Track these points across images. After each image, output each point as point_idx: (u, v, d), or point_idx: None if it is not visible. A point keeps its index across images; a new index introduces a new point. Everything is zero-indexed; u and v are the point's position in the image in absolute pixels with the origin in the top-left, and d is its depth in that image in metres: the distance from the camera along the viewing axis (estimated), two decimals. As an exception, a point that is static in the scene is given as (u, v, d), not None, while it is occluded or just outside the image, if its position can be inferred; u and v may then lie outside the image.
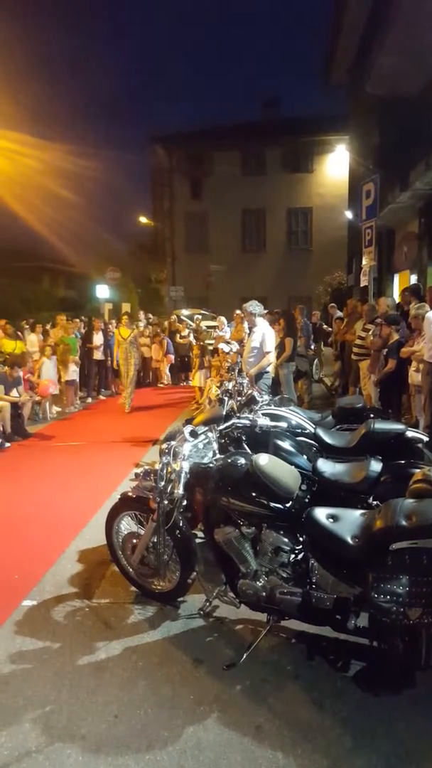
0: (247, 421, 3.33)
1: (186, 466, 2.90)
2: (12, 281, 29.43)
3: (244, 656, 2.81)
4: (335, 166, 23.48)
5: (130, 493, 3.45)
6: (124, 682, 2.69)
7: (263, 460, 2.79)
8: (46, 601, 3.47)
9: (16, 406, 8.08)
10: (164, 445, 3.17)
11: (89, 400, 11.86)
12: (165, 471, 2.95)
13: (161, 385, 14.12)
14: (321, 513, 2.53)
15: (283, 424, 3.63)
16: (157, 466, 3.00)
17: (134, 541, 3.41)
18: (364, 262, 9.57)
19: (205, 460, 3.10)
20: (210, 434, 3.21)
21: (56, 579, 3.74)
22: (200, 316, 15.44)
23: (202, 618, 3.18)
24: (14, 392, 8.23)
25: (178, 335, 14.58)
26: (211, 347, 11.10)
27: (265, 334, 6.75)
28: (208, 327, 14.67)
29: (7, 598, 3.47)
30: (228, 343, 9.35)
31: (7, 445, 7.51)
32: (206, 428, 3.27)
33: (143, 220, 29.51)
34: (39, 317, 15.05)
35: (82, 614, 3.31)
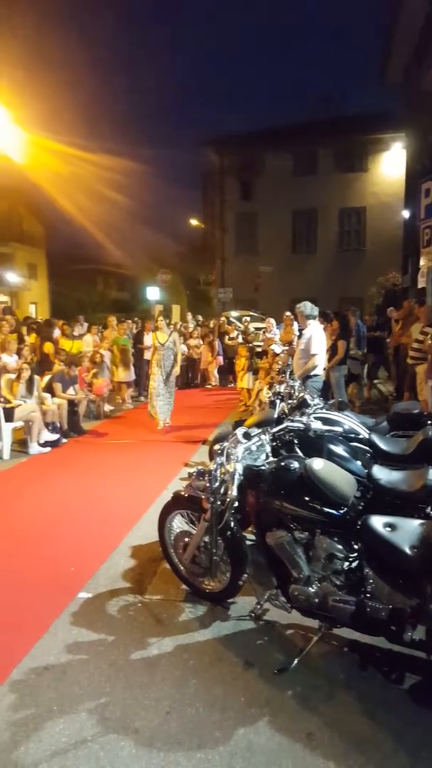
0: (300, 425, 3.31)
1: (239, 467, 2.91)
2: (68, 284, 30.24)
3: (295, 662, 2.80)
4: (390, 164, 23.00)
5: (182, 492, 3.50)
6: (175, 680, 2.74)
7: (318, 464, 2.77)
8: (101, 594, 3.56)
9: (72, 404, 8.33)
10: (217, 446, 3.20)
11: (141, 399, 12.06)
12: (218, 472, 2.98)
13: (209, 387, 14.19)
14: (378, 521, 2.49)
15: (338, 429, 3.60)
16: (211, 467, 3.03)
17: (186, 539, 3.46)
18: (422, 262, 9.32)
19: (258, 463, 3.10)
20: (263, 437, 3.21)
21: (110, 573, 3.84)
22: (249, 318, 15.39)
23: (252, 620, 3.19)
24: (71, 390, 8.49)
25: (226, 337, 14.62)
26: (259, 349, 11.08)
27: (312, 336, 6.68)
28: (257, 329, 14.64)
29: (64, 590, 3.59)
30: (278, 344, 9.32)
31: (64, 440, 7.74)
32: (259, 430, 3.27)
33: (194, 222, 29.76)
34: (93, 319, 15.43)
35: (135, 609, 3.38)
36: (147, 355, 12.20)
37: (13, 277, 29.77)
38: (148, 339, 12.34)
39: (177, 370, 8.80)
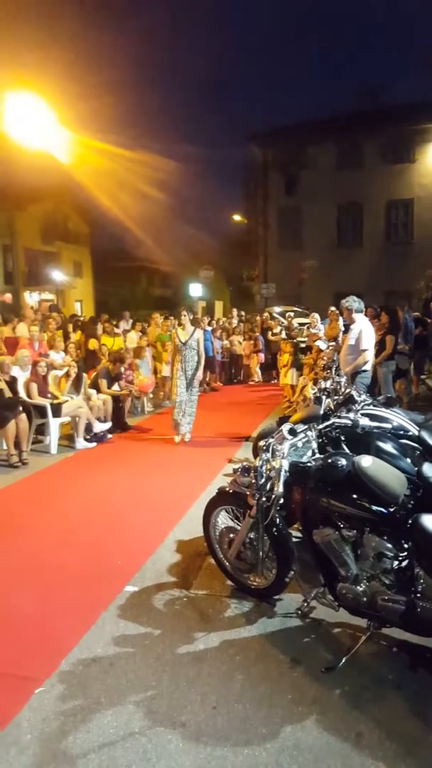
0: (348, 421, 3.25)
1: (285, 464, 2.88)
2: (112, 282, 30.70)
3: (343, 660, 2.75)
4: (439, 154, 22.31)
5: (227, 488, 3.50)
6: (222, 675, 2.73)
7: (366, 462, 2.71)
8: (147, 588, 3.60)
9: (117, 400, 8.46)
10: (262, 443, 3.17)
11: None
12: (264, 468, 2.95)
13: (252, 383, 14.15)
14: (429, 520, 2.42)
15: (386, 426, 3.51)
16: (257, 463, 3.01)
17: (231, 535, 3.45)
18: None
19: (304, 459, 3.06)
20: (309, 433, 3.17)
21: (156, 567, 3.87)
22: (293, 314, 15.27)
23: (298, 618, 3.16)
24: (116, 386, 8.62)
25: (269, 333, 14.53)
26: (303, 345, 10.97)
27: (362, 331, 6.54)
28: (301, 324, 14.50)
29: (112, 583, 3.64)
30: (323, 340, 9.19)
31: (109, 436, 7.87)
32: (305, 427, 3.23)
33: (237, 218, 29.69)
34: (137, 316, 15.64)
35: (181, 604, 3.40)
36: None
37: (59, 276, 30.51)
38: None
39: (200, 374, 7.72)
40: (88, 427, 7.55)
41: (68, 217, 34.07)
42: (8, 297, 18.43)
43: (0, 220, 28.86)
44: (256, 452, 5.54)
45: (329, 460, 2.88)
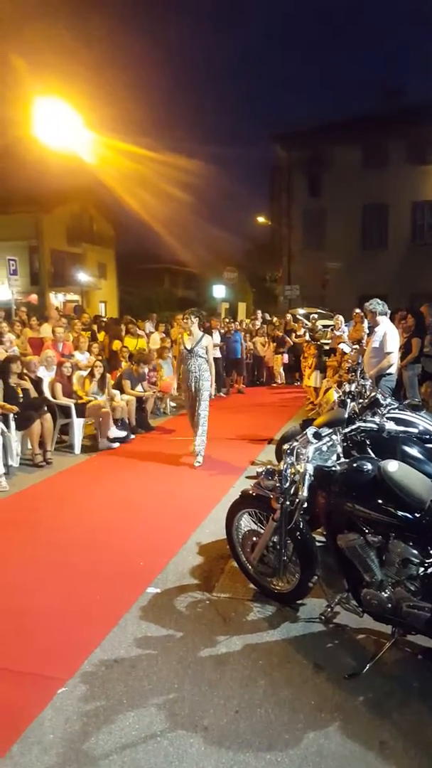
0: (373, 425, 3.20)
1: (310, 468, 2.85)
2: (136, 283, 30.92)
3: (367, 667, 2.71)
4: (466, 154, 21.93)
5: (250, 491, 3.48)
6: (244, 679, 2.72)
7: (393, 466, 2.67)
8: (169, 590, 3.60)
9: (140, 401, 8.51)
10: (286, 446, 3.14)
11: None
12: (289, 472, 2.93)
13: (275, 384, 14.07)
14: (457, 526, 2.37)
15: (412, 430, 3.46)
16: (282, 466, 2.98)
17: (254, 539, 3.43)
18: None
19: (329, 463, 3.03)
20: (334, 437, 3.14)
21: (178, 569, 3.87)
22: (316, 315, 15.17)
23: (322, 623, 3.12)
24: (139, 387, 8.67)
25: (293, 334, 14.45)
26: (327, 347, 10.87)
27: (386, 334, 6.46)
28: (325, 326, 14.38)
29: (134, 584, 3.65)
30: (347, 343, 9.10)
31: (132, 436, 7.91)
32: (330, 430, 3.19)
33: (261, 219, 29.64)
34: (160, 317, 15.71)
35: (203, 606, 3.39)
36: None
37: (83, 277, 30.84)
38: (214, 336, 12.44)
39: (209, 386, 6.66)
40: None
41: (94, 219, 34.44)
42: (34, 297, 18.70)
43: (27, 222, 29.31)
44: (279, 455, 5.51)
45: (355, 465, 2.84)
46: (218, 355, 12.45)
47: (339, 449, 3.13)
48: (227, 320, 14.79)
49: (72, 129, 8.54)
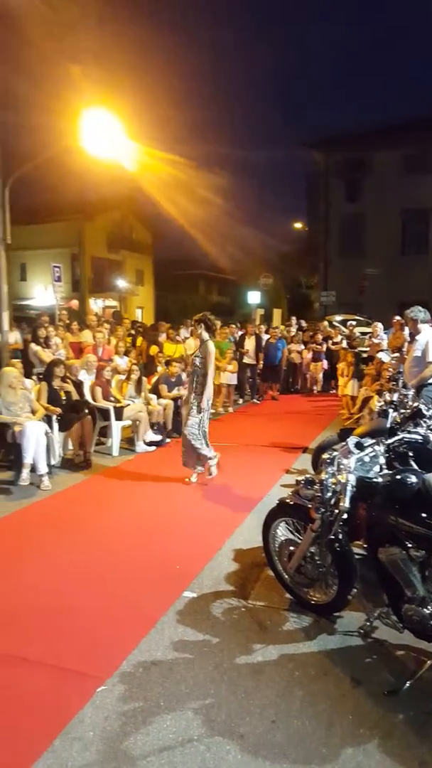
0: (418, 436, 3.16)
1: (352, 479, 2.83)
2: (172, 288, 31.18)
3: (407, 684, 2.67)
4: None
5: (287, 500, 3.46)
6: (281, 689, 2.71)
7: (438, 480, 2.62)
8: (205, 595, 3.61)
9: (177, 405, 8.57)
10: (326, 455, 3.12)
11: (240, 402, 12.18)
12: (330, 482, 2.91)
13: (314, 391, 13.89)
14: None
15: (457, 442, 3.39)
16: (323, 476, 2.96)
17: (291, 548, 3.42)
18: None
19: (371, 475, 2.99)
20: (377, 447, 3.10)
21: (213, 574, 3.88)
22: (354, 322, 14.98)
23: (360, 637, 3.09)
24: (175, 391, 8.74)
25: (330, 341, 14.31)
26: (365, 354, 10.74)
27: (429, 343, 6.34)
28: (363, 333, 14.20)
29: (170, 588, 3.68)
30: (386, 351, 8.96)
31: (168, 440, 7.98)
32: (372, 441, 3.16)
33: (297, 225, 29.53)
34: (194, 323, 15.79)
35: (239, 613, 3.40)
36: (247, 359, 12.31)
37: (122, 283, 31.34)
38: (248, 343, 12.44)
39: (208, 396, 6.07)
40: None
41: (133, 227, 35.01)
42: (75, 303, 19.06)
43: (71, 230, 30.05)
44: (315, 464, 5.47)
45: (398, 477, 2.81)
46: (252, 361, 12.46)
47: (382, 460, 3.09)
48: (273, 327, 14.74)
49: (114, 137, 8.69)
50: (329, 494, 2.91)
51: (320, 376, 13.83)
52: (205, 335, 6.18)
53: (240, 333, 13.09)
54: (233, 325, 14.16)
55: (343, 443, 3.16)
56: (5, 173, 8.70)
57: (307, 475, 3.31)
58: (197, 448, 6.15)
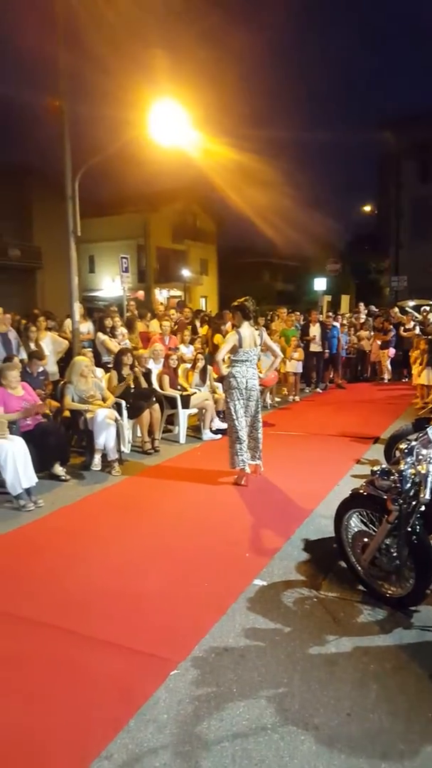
0: None
1: (432, 470, 2.71)
2: (236, 277, 31.16)
3: None
4: None
5: (361, 491, 3.37)
6: (355, 682, 2.65)
7: None
8: (275, 583, 3.59)
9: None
10: (404, 445, 3.02)
11: (306, 390, 12.01)
12: (410, 472, 2.80)
13: (382, 380, 13.50)
14: None
15: None
16: (402, 466, 2.85)
17: (365, 540, 3.33)
18: None
19: (451, 465, 2.85)
20: (457, 437, 2.95)
21: (284, 564, 3.85)
22: (428, 308, 14.32)
23: (438, 633, 2.97)
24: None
25: (401, 328, 13.79)
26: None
27: None
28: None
29: (241, 575, 3.69)
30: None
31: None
32: (452, 431, 3.01)
33: (366, 209, 28.67)
34: (260, 311, 15.67)
35: (310, 604, 3.35)
36: (313, 347, 12.07)
37: (186, 273, 31.60)
38: (314, 330, 12.18)
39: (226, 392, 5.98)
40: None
41: (197, 216, 35.16)
42: (141, 294, 19.39)
43: (136, 222, 30.57)
44: (388, 455, 5.31)
45: None
46: (319, 349, 12.21)
47: (462, 451, 2.94)
48: (329, 315, 14.44)
49: (180, 127, 8.69)
50: (408, 485, 2.80)
51: (387, 363, 13.38)
52: (243, 323, 5.68)
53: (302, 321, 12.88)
54: (297, 313, 13.95)
55: (421, 433, 3.04)
56: (75, 166, 8.91)
57: (383, 466, 3.20)
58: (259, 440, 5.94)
